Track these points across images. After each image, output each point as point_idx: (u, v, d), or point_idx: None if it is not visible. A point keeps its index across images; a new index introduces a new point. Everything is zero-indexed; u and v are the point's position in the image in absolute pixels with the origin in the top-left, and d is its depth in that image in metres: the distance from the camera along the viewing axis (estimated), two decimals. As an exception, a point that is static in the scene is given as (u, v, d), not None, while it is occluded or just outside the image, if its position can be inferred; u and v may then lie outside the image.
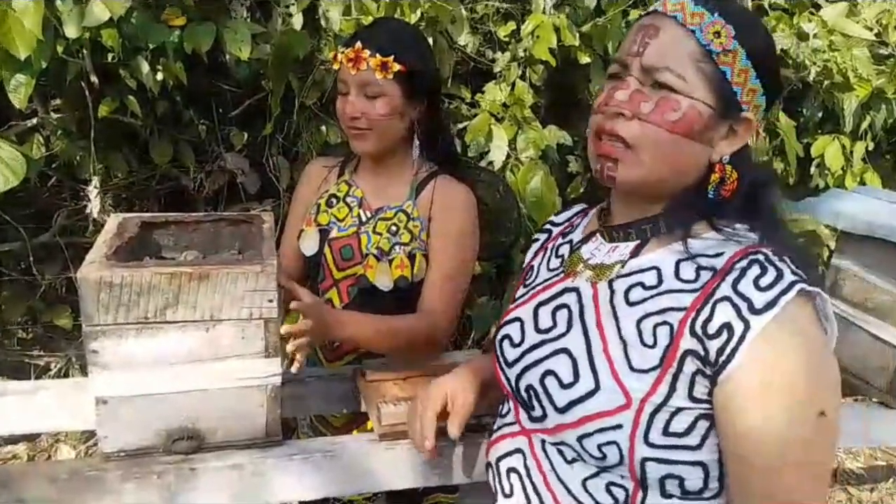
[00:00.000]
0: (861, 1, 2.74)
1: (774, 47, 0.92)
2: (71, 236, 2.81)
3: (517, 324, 1.00)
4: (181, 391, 1.05)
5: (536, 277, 1.06)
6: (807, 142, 2.77)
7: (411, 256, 1.45)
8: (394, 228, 1.46)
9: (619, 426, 0.83)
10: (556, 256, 1.05)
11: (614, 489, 0.87)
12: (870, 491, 2.91)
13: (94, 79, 2.14)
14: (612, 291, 0.91)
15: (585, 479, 0.89)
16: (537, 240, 1.15)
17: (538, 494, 0.94)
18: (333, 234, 1.50)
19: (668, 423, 0.82)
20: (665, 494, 0.85)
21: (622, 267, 0.91)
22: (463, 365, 1.17)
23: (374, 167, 1.53)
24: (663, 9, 0.87)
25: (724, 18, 0.84)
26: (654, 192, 0.90)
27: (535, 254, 1.12)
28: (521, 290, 1.07)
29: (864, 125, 2.67)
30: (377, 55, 1.38)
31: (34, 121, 2.41)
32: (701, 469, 0.84)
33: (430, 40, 2.27)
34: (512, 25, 2.53)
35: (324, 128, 2.51)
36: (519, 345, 0.98)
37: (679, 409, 0.82)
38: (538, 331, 0.97)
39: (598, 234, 0.99)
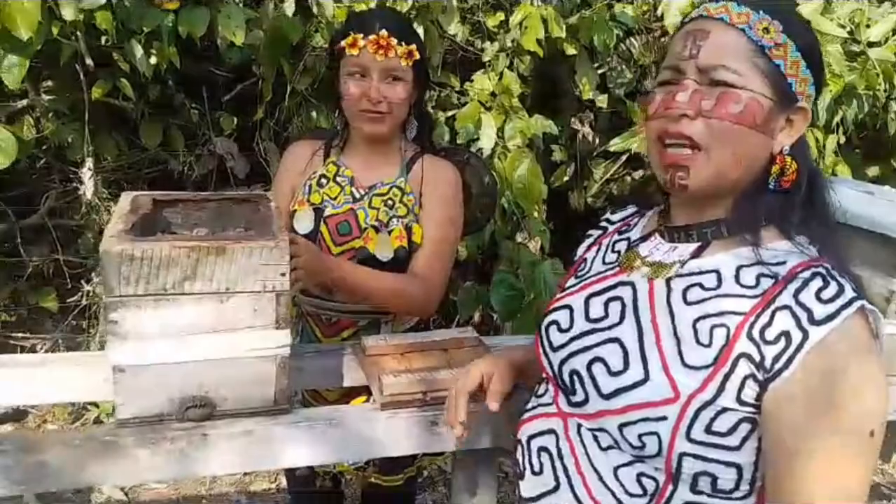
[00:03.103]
0: (835, 0, 2.83)
1: (818, 38, 0.94)
2: (59, 218, 2.83)
3: (566, 311, 1.02)
4: (195, 360, 1.10)
5: (589, 270, 1.07)
6: (781, 134, 2.86)
7: (408, 228, 1.53)
8: (390, 202, 1.54)
9: (663, 418, 0.85)
10: (613, 251, 1.06)
11: (644, 480, 0.89)
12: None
13: (88, 61, 2.15)
14: (670, 290, 0.92)
15: (618, 467, 0.91)
16: (591, 235, 1.16)
17: (568, 476, 0.96)
18: (328, 211, 1.55)
19: (711, 421, 0.83)
20: (695, 490, 0.86)
21: (681, 267, 0.93)
22: (499, 353, 1.23)
23: (369, 147, 1.59)
24: (707, 13, 0.90)
25: (770, 15, 0.87)
26: (723, 190, 0.91)
27: (589, 248, 1.13)
28: (572, 281, 1.08)
29: (837, 119, 2.77)
30: (403, 44, 1.48)
31: (24, 102, 2.42)
32: (735, 470, 0.85)
33: (421, 29, 2.33)
34: (501, 16, 2.59)
35: (314, 113, 2.55)
36: (567, 331, 1.00)
37: (724, 409, 0.83)
38: (588, 319, 0.98)
39: (657, 234, 1.00)
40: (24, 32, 1.74)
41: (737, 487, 0.86)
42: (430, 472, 2.53)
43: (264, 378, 1.14)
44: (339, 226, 1.54)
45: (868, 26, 2.89)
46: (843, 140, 2.82)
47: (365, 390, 1.50)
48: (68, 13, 1.93)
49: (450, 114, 2.50)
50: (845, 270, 0.86)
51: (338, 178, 1.59)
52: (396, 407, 1.24)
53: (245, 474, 2.62)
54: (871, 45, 2.79)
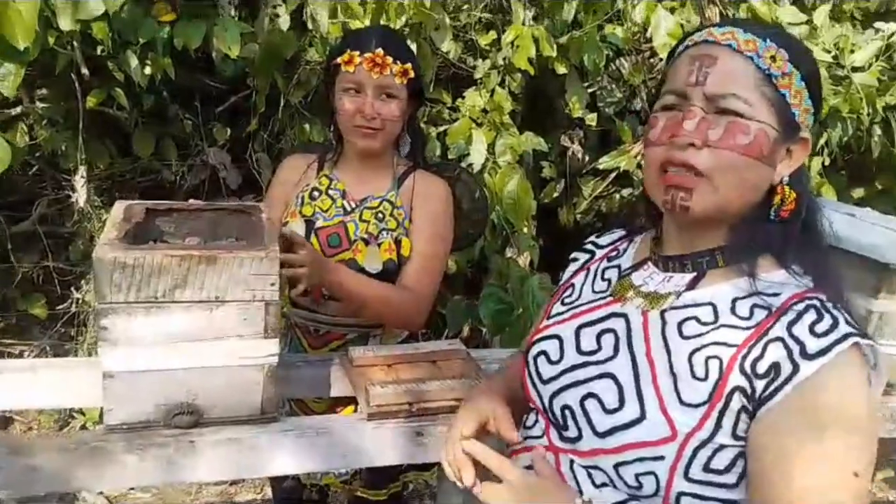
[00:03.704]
0: (820, 25, 2.89)
1: (819, 68, 0.93)
2: (51, 225, 2.83)
3: (556, 341, 0.99)
4: (183, 368, 1.11)
5: (579, 297, 1.04)
6: (767, 156, 2.91)
7: (397, 241, 1.55)
8: (380, 215, 1.57)
9: (660, 458, 0.83)
10: (603, 279, 1.04)
11: None
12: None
13: (84, 70, 2.17)
14: (665, 322, 0.90)
15: None
16: (576, 259, 1.14)
17: None
18: (319, 223, 1.58)
19: (710, 459, 0.82)
20: None
21: (676, 298, 0.91)
22: (482, 388, 1.15)
23: (363, 162, 1.62)
24: (713, 38, 0.88)
25: (776, 43, 0.86)
26: (723, 220, 0.89)
27: (575, 273, 1.11)
28: (559, 308, 1.06)
29: (821, 142, 2.82)
30: (398, 62, 1.51)
31: (19, 109, 2.43)
32: None
33: (414, 46, 2.36)
34: (493, 35, 2.64)
35: (307, 126, 2.58)
36: (557, 363, 0.98)
37: (722, 447, 0.82)
38: (580, 352, 0.96)
39: (649, 263, 0.98)
40: (21, 41, 1.76)
41: None
42: (417, 485, 2.54)
43: (252, 386, 1.16)
44: (330, 238, 1.56)
45: (853, 51, 2.95)
46: (827, 162, 2.87)
47: (352, 401, 1.51)
48: (65, 23, 1.95)
49: (441, 129, 2.54)
50: (840, 301, 0.85)
51: (330, 191, 1.61)
52: (383, 417, 1.25)
53: (230, 484, 2.62)
54: (854, 69, 2.85)
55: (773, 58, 0.86)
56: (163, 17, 2.23)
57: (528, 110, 2.84)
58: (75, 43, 2.16)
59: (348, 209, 1.59)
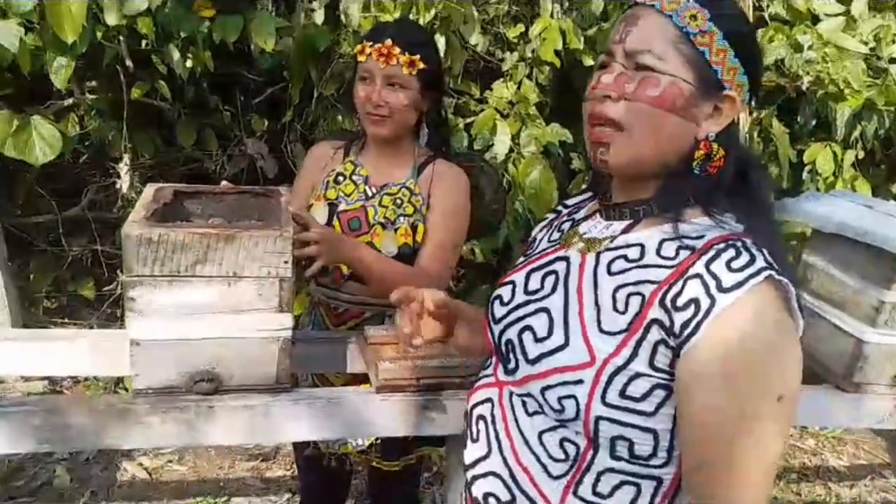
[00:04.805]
0: (858, 15, 2.85)
1: (752, 30, 0.96)
2: (99, 211, 2.99)
3: (510, 286, 1.08)
4: (204, 338, 1.20)
5: (536, 248, 1.13)
6: (800, 148, 2.89)
7: (414, 227, 1.62)
8: (398, 201, 1.64)
9: (580, 381, 0.89)
10: (558, 231, 1.12)
11: (567, 445, 0.94)
12: (849, 487, 3.04)
13: (129, 63, 2.30)
14: (598, 262, 0.97)
15: (542, 432, 0.95)
16: (546, 218, 1.22)
17: (498, 441, 1.01)
18: (342, 207, 1.66)
19: (625, 385, 0.87)
20: (614, 456, 0.91)
21: (611, 241, 0.97)
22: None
23: (381, 150, 1.69)
24: (643, 1, 0.94)
25: (700, 3, 0.91)
26: (645, 171, 0.95)
27: (542, 229, 1.19)
28: (521, 259, 1.14)
29: (855, 134, 2.78)
30: (406, 53, 1.57)
31: (70, 100, 2.58)
32: (651, 436, 0.89)
33: (443, 39, 2.43)
34: (520, 27, 2.68)
35: (340, 117, 2.66)
36: (508, 304, 1.05)
37: (638, 374, 0.87)
38: (527, 293, 1.04)
39: (597, 213, 1.05)
40: (70, 36, 1.89)
41: (654, 454, 0.90)
42: (441, 467, 2.61)
43: (268, 357, 1.24)
44: (351, 221, 1.64)
45: (894, 42, 2.90)
46: (861, 155, 2.83)
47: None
48: (111, 18, 2.08)
49: (468, 120, 2.60)
50: (771, 246, 0.89)
51: (353, 177, 1.69)
52: (391, 391, 1.32)
53: (262, 460, 2.74)
54: (892, 60, 2.80)
55: (693, 16, 0.90)
56: (203, 12, 2.35)
57: (556, 102, 2.87)
58: (121, 37, 2.29)
59: (369, 194, 1.66)
